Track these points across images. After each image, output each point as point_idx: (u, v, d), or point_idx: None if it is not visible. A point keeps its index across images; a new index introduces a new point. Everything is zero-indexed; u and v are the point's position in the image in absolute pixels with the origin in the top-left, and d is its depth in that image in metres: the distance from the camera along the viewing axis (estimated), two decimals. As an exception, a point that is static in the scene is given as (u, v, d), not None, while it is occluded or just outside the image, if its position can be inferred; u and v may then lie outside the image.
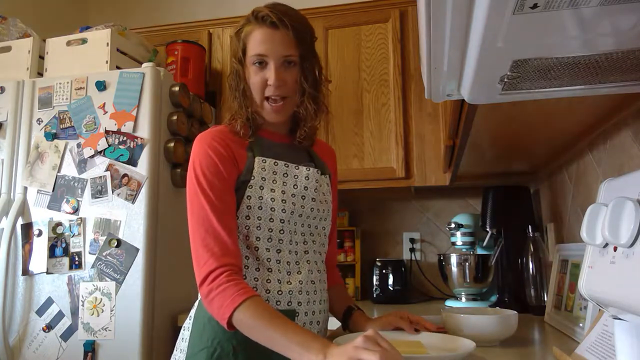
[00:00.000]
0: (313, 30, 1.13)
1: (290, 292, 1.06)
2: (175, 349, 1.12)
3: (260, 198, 1.06)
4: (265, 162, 1.09)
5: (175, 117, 1.86)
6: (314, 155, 1.21)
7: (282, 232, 1.07)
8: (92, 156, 1.79)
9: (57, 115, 1.88)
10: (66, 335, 1.71)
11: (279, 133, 1.18)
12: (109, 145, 1.78)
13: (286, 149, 1.16)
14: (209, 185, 1.02)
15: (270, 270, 1.05)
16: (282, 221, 1.07)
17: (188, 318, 1.11)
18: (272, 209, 1.06)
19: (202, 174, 1.03)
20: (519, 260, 1.71)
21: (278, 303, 1.04)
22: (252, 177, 1.06)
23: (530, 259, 1.64)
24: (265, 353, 1.02)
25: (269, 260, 1.06)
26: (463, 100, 0.88)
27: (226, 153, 1.05)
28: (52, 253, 1.78)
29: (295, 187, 1.11)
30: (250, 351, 1.01)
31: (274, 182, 1.08)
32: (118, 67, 1.94)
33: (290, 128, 1.20)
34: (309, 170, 1.14)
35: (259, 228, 1.06)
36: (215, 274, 0.95)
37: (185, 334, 1.09)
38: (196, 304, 1.10)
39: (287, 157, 1.14)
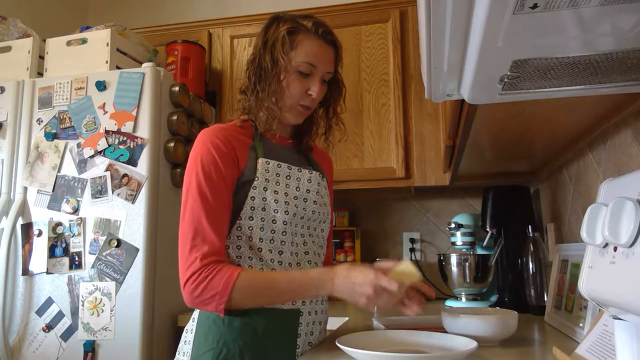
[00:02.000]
0: None
1: None
2: (177, 352, 1.11)
3: (264, 199, 1.06)
4: (269, 163, 1.09)
5: (175, 117, 1.87)
6: (312, 160, 1.23)
7: (284, 233, 1.07)
8: (92, 156, 1.79)
9: (57, 115, 1.88)
10: (66, 335, 1.71)
11: (282, 136, 1.19)
12: (109, 145, 1.78)
13: (288, 152, 1.18)
14: (207, 182, 1.02)
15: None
16: (285, 223, 1.07)
17: (191, 320, 1.10)
18: (275, 211, 1.06)
19: (201, 170, 1.03)
20: (519, 260, 1.71)
21: (283, 302, 1.05)
22: (256, 178, 1.06)
23: (530, 259, 1.63)
24: (272, 353, 1.03)
25: (272, 261, 1.06)
26: (463, 100, 0.88)
27: (227, 151, 1.05)
28: (52, 253, 1.78)
29: (298, 189, 1.11)
30: (257, 352, 1.01)
31: (277, 183, 1.08)
32: (118, 67, 1.94)
33: (293, 133, 1.22)
34: (311, 173, 1.15)
35: (262, 229, 1.06)
36: (201, 271, 0.97)
37: (188, 336, 1.08)
38: None
39: (289, 159, 1.15)
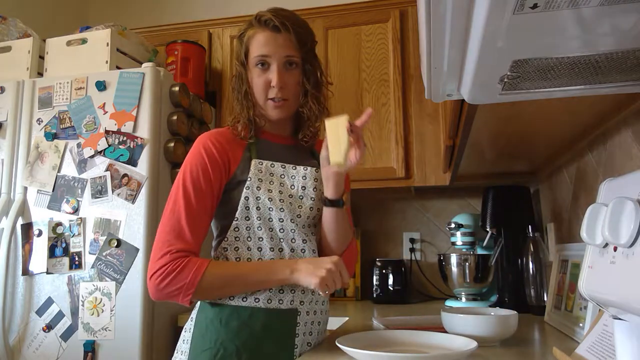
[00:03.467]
0: (314, 35, 1.17)
1: (293, 291, 1.07)
2: (175, 351, 1.12)
3: (258, 199, 1.07)
4: (262, 164, 1.10)
5: (175, 117, 1.87)
6: (317, 154, 1.22)
7: (282, 230, 1.08)
8: (92, 156, 1.79)
9: (57, 115, 1.88)
10: (66, 335, 1.71)
11: (281, 135, 1.19)
12: (109, 145, 1.78)
13: (287, 150, 1.17)
14: (193, 184, 1.04)
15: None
16: (281, 220, 1.07)
17: (189, 319, 1.11)
18: (270, 209, 1.07)
19: (189, 173, 1.06)
20: (519, 260, 1.71)
21: (280, 302, 1.05)
22: (249, 179, 1.07)
23: (530, 259, 1.63)
24: (269, 353, 1.03)
25: (272, 260, 1.07)
26: (463, 100, 0.88)
27: (219, 156, 1.07)
28: (52, 253, 1.78)
29: (293, 187, 1.12)
30: (254, 351, 1.01)
31: (271, 183, 1.09)
32: (118, 67, 1.94)
33: (293, 129, 1.21)
34: (306, 169, 1.15)
35: (259, 228, 1.07)
36: (169, 264, 0.98)
37: (186, 335, 1.09)
38: (197, 305, 1.10)
39: (286, 158, 1.14)
